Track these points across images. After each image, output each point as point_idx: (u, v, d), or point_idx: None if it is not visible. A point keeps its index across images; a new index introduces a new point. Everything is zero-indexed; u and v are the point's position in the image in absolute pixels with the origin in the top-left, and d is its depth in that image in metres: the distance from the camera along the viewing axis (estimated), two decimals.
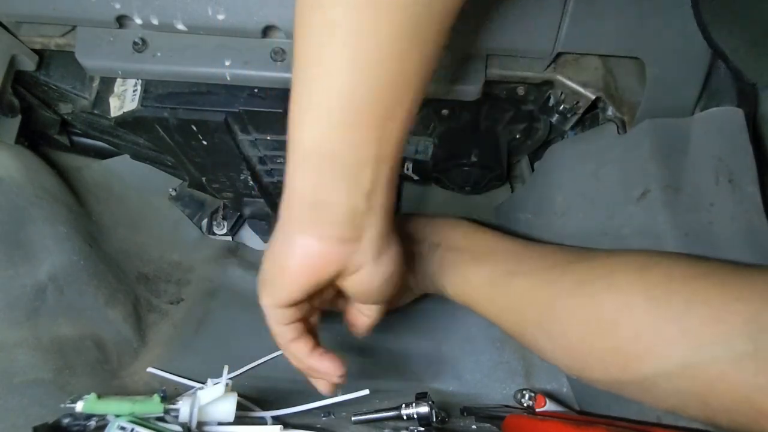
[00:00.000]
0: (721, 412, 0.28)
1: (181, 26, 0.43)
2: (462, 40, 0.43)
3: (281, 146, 0.55)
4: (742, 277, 0.30)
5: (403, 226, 0.50)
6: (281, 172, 0.62)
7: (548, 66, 0.46)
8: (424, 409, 0.47)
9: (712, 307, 0.29)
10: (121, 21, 0.43)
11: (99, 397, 0.34)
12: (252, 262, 0.75)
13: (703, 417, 0.30)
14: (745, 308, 0.27)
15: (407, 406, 0.48)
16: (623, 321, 0.32)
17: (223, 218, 0.75)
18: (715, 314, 0.28)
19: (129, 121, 0.50)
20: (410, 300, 0.56)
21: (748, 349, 0.26)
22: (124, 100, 0.50)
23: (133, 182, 0.69)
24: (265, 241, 0.77)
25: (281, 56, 0.44)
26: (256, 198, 0.67)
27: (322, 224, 0.31)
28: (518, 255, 0.44)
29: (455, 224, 0.51)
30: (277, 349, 0.65)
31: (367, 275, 0.33)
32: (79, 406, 0.34)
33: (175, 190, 0.73)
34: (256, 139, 0.53)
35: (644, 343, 0.31)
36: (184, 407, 0.36)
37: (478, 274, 0.44)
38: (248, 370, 0.62)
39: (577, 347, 0.35)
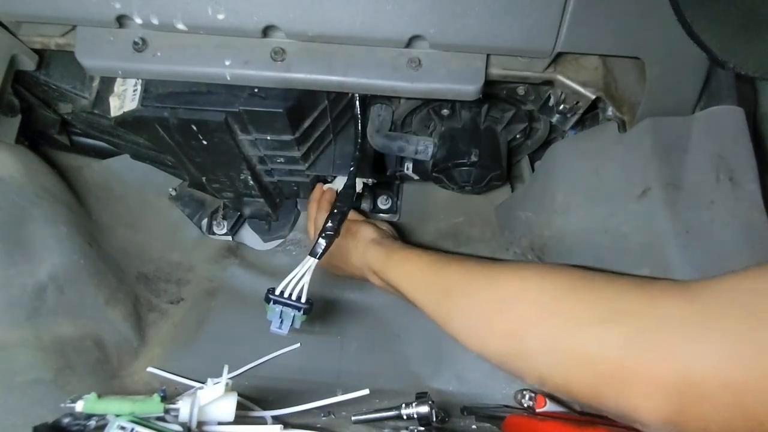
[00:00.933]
0: (579, 383, 0.35)
1: (181, 26, 0.43)
2: (462, 40, 0.43)
3: (281, 146, 0.55)
4: (612, 280, 0.37)
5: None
6: (281, 172, 0.62)
7: (548, 66, 0.46)
8: (424, 409, 0.47)
9: (584, 294, 0.36)
10: (121, 21, 0.43)
11: (99, 396, 0.34)
12: (252, 262, 0.75)
13: (564, 389, 0.36)
14: (605, 300, 0.35)
15: (407, 406, 0.48)
16: (519, 300, 0.39)
17: (223, 218, 0.75)
18: (595, 301, 0.35)
19: (129, 121, 0.50)
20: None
21: (614, 335, 0.33)
22: (124, 99, 0.50)
23: (133, 182, 0.69)
24: (266, 241, 0.77)
25: (281, 56, 0.44)
26: (256, 198, 0.67)
27: None
28: (447, 254, 0.53)
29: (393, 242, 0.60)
30: (276, 349, 0.65)
31: None
32: (79, 406, 0.33)
33: (175, 190, 0.73)
34: (256, 139, 0.53)
35: (533, 319, 0.37)
36: (184, 407, 0.36)
37: (415, 260, 0.51)
38: (248, 370, 0.62)
39: (481, 322, 0.41)
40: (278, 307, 0.47)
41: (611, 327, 0.33)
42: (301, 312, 0.47)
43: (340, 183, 0.63)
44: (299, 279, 0.48)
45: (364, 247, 0.58)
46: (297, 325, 0.47)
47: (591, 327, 0.34)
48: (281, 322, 0.47)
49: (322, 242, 0.48)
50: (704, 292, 0.31)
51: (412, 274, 0.51)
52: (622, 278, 0.37)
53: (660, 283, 0.35)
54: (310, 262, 0.48)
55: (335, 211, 0.50)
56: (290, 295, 0.47)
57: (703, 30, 0.36)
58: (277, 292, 0.47)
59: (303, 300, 0.47)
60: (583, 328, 0.34)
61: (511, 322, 0.39)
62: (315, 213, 0.63)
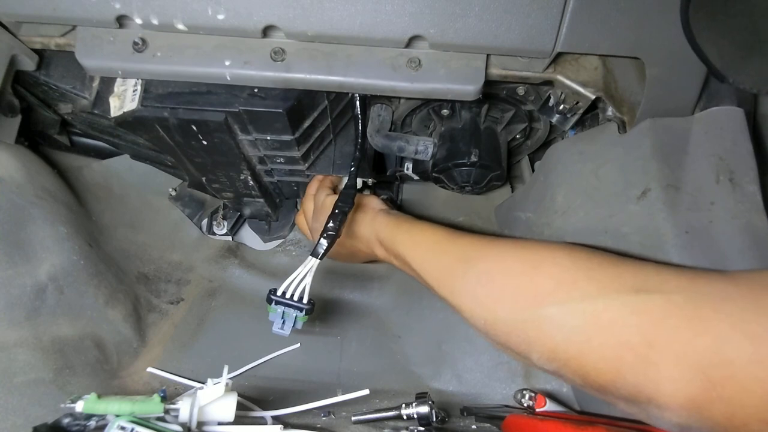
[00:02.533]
0: (597, 355, 0.33)
1: (181, 26, 0.43)
2: (462, 40, 0.43)
3: (281, 146, 0.55)
4: (653, 263, 0.36)
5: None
6: (281, 172, 0.62)
7: (548, 66, 0.46)
8: (424, 409, 0.47)
9: (618, 268, 0.35)
10: (121, 21, 0.43)
11: (99, 397, 0.34)
12: (252, 262, 0.75)
13: (576, 362, 0.34)
14: (642, 274, 0.34)
15: (407, 406, 0.48)
16: (545, 264, 0.37)
17: (223, 218, 0.75)
18: (630, 272, 0.34)
19: (129, 121, 0.50)
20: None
21: (647, 304, 0.32)
22: (124, 99, 0.50)
23: (133, 182, 0.69)
24: (266, 241, 0.77)
25: (281, 56, 0.44)
26: (256, 198, 0.67)
27: None
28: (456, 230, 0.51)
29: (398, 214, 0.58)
30: (276, 349, 0.65)
31: None
32: (79, 406, 0.34)
33: (175, 190, 0.73)
34: (256, 139, 0.53)
35: (561, 280, 0.36)
36: (184, 407, 0.36)
37: (427, 228, 0.50)
38: (248, 370, 0.62)
39: (497, 282, 0.39)
40: (280, 308, 0.47)
41: (646, 296, 0.32)
42: (303, 312, 0.47)
43: (339, 183, 0.63)
44: (301, 279, 0.47)
45: (372, 216, 0.56)
46: (299, 325, 0.47)
47: (623, 294, 0.33)
48: (283, 322, 0.47)
49: (324, 242, 0.48)
50: (743, 277, 0.31)
51: (422, 242, 0.48)
52: (652, 261, 0.36)
53: (694, 268, 0.34)
54: (312, 263, 0.48)
55: (336, 211, 0.50)
56: (292, 295, 0.47)
57: (706, 43, 0.36)
58: (279, 293, 0.47)
59: (305, 300, 0.47)
60: (613, 294, 0.33)
61: (535, 283, 0.37)
62: (312, 199, 0.61)
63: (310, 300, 0.47)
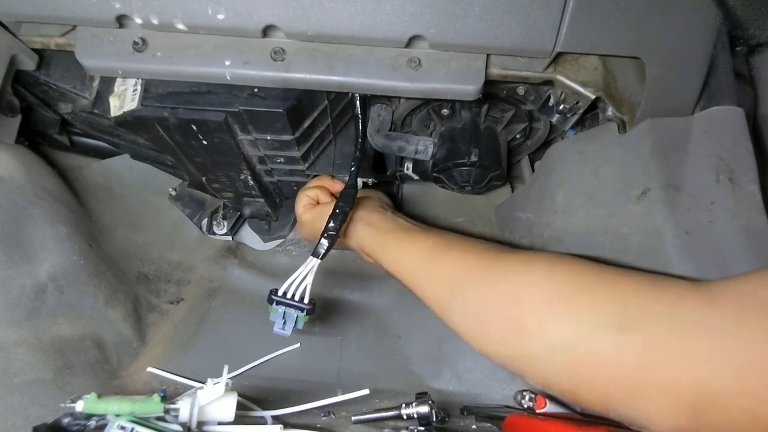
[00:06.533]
0: (588, 389, 0.34)
1: (181, 26, 0.43)
2: (462, 40, 0.43)
3: (281, 146, 0.55)
4: (626, 278, 0.36)
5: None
6: (281, 172, 0.62)
7: (548, 66, 0.46)
8: (424, 408, 0.47)
9: (598, 296, 0.35)
10: (121, 21, 0.43)
11: (99, 396, 0.34)
12: (252, 262, 0.75)
13: (570, 394, 0.35)
14: (622, 303, 0.33)
15: (407, 406, 0.48)
16: (525, 297, 0.37)
17: (223, 218, 0.75)
18: (609, 303, 0.34)
19: (129, 121, 0.50)
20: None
21: (631, 342, 0.32)
22: (124, 99, 0.50)
23: (133, 182, 0.69)
24: (266, 241, 0.77)
25: (281, 56, 0.44)
26: (256, 198, 0.67)
27: None
28: (451, 236, 0.50)
29: (386, 213, 0.58)
30: (276, 348, 0.65)
31: None
32: (79, 406, 0.34)
33: (175, 190, 0.73)
34: (256, 139, 0.53)
35: (541, 319, 0.36)
36: (184, 407, 0.36)
37: (411, 248, 0.49)
38: (248, 370, 0.62)
39: (483, 317, 0.39)
40: (281, 308, 0.47)
41: (628, 334, 0.32)
42: (304, 313, 0.47)
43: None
44: (302, 279, 0.47)
45: (353, 227, 0.55)
46: (300, 325, 0.47)
47: (606, 333, 0.33)
48: (284, 323, 0.47)
49: (325, 242, 0.48)
50: (723, 295, 0.31)
51: (408, 262, 0.48)
52: (635, 274, 0.36)
53: (675, 283, 0.34)
54: (313, 263, 0.48)
55: (337, 211, 0.50)
56: (293, 295, 0.47)
57: None
58: (280, 293, 0.47)
59: (306, 300, 0.47)
60: (597, 333, 0.33)
61: (517, 321, 0.37)
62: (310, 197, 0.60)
63: (311, 300, 0.47)
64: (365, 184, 0.64)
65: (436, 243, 0.48)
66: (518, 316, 0.37)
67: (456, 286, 0.43)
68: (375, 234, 0.53)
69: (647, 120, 0.47)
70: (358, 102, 0.54)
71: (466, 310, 0.41)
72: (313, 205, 0.60)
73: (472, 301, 0.41)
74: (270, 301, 0.47)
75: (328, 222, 0.49)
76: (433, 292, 0.45)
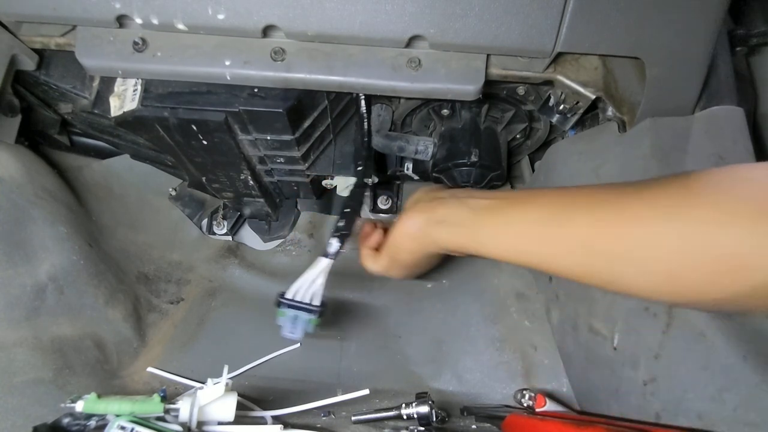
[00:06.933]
0: None
1: (181, 26, 0.43)
2: (462, 40, 0.43)
3: (281, 146, 0.55)
4: None
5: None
6: (281, 172, 0.62)
7: (548, 66, 0.46)
8: (424, 409, 0.47)
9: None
10: (121, 21, 0.43)
11: (99, 396, 0.34)
12: (252, 262, 0.75)
13: None
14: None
15: (407, 406, 0.48)
16: (723, 238, 0.30)
17: (223, 218, 0.75)
18: None
19: (129, 121, 0.50)
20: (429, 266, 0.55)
21: None
22: (125, 99, 0.50)
23: (133, 182, 0.69)
24: (266, 241, 0.77)
25: (281, 56, 0.44)
26: (256, 198, 0.67)
27: None
28: (565, 195, 0.40)
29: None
30: (276, 349, 0.65)
31: None
32: (79, 406, 0.34)
33: (175, 190, 0.73)
34: (256, 139, 0.53)
35: (747, 255, 0.29)
36: (184, 407, 0.36)
37: (525, 215, 0.41)
38: (248, 370, 0.62)
39: (675, 272, 0.33)
40: (291, 312, 0.46)
41: None
42: (316, 315, 0.46)
43: (339, 183, 0.63)
44: (312, 281, 0.47)
45: (427, 229, 0.46)
46: (310, 329, 0.46)
47: None
48: (294, 326, 0.46)
49: (335, 242, 0.47)
50: None
51: (519, 245, 0.40)
52: None
53: None
54: (324, 264, 0.47)
55: (347, 210, 0.49)
56: (302, 298, 0.46)
57: None
58: (289, 296, 0.46)
59: (316, 303, 0.46)
60: None
61: (725, 256, 0.30)
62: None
63: (322, 301, 0.47)
64: (365, 184, 0.64)
65: (541, 214, 0.40)
66: (717, 261, 0.31)
67: (607, 248, 0.35)
68: (457, 226, 0.44)
69: (647, 120, 0.47)
70: (363, 101, 0.54)
71: (644, 270, 0.34)
72: (377, 251, 0.54)
73: (649, 257, 0.34)
74: (278, 304, 0.46)
75: (338, 221, 0.49)
76: (572, 265, 0.38)
